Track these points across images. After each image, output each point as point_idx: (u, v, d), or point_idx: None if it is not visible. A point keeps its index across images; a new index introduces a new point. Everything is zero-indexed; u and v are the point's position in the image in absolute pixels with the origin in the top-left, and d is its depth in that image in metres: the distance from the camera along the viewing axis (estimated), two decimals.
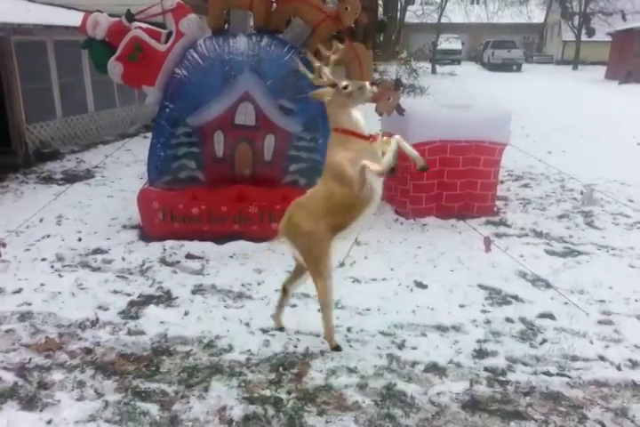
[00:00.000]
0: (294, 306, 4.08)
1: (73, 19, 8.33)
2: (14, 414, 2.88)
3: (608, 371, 3.34)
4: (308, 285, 4.29)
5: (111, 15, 5.42)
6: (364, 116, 3.31)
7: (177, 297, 4.21)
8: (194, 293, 4.30)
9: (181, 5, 5.35)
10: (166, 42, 5.33)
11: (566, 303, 4.13)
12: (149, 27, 5.57)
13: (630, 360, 3.45)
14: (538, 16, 45.46)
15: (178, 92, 5.27)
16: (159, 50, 5.28)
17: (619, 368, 3.37)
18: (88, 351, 3.47)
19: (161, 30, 5.58)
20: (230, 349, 3.53)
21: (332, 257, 3.39)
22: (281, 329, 3.73)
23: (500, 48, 34.98)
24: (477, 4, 45.23)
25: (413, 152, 3.26)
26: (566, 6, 39.96)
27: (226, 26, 5.75)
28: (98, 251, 5.10)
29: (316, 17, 5.24)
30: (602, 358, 3.48)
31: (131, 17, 5.40)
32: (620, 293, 4.34)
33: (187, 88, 5.24)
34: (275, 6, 5.57)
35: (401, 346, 3.59)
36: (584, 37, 37.33)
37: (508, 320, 3.94)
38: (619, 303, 4.18)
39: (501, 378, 3.28)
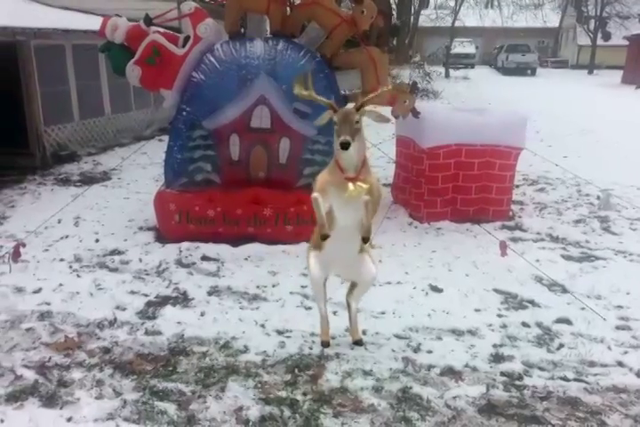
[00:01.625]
0: (309, 308, 4.10)
1: (90, 23, 8.46)
2: (35, 410, 2.93)
3: (627, 377, 3.31)
4: None
5: (129, 20, 5.48)
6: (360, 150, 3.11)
7: (193, 298, 4.25)
8: (210, 294, 4.33)
9: (199, 10, 5.41)
10: (184, 46, 5.38)
11: (583, 308, 4.10)
12: (167, 31, 5.63)
13: None
14: (553, 20, 45.16)
15: (195, 95, 5.32)
16: (177, 54, 5.34)
17: (638, 375, 3.34)
18: (106, 351, 3.52)
19: (178, 35, 5.64)
20: (246, 350, 3.55)
21: None
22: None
23: (514, 52, 34.76)
24: (492, 8, 45.15)
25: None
26: (582, 10, 39.67)
27: (242, 30, 5.80)
28: (115, 252, 5.15)
29: (332, 21, 5.26)
30: (620, 364, 3.45)
31: (149, 21, 5.46)
32: (638, 298, 4.30)
33: (203, 91, 5.29)
34: (290, 10, 5.62)
35: (416, 349, 3.59)
36: (600, 41, 36.99)
37: (525, 325, 3.92)
38: (637, 309, 4.14)
39: (518, 383, 3.27)
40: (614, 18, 36.87)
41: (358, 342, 3.62)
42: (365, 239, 3.12)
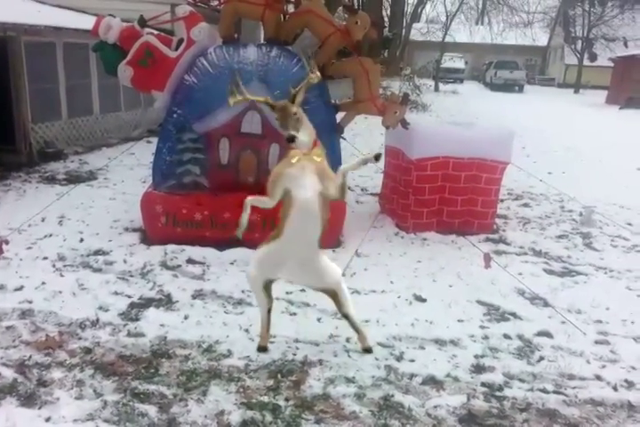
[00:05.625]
0: (293, 314, 4.10)
1: (82, 22, 8.44)
2: (13, 409, 2.89)
3: (604, 391, 3.36)
4: (307, 293, 4.34)
5: (122, 20, 5.48)
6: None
7: (177, 301, 4.23)
8: (194, 297, 4.31)
9: (194, 13, 5.42)
10: (177, 49, 5.39)
11: (563, 322, 4.15)
12: (160, 33, 5.64)
13: (626, 381, 3.46)
14: (541, 39, 45.90)
15: (186, 98, 5.32)
16: (169, 56, 5.34)
17: (615, 388, 3.39)
18: (88, 351, 3.48)
19: (172, 37, 5.65)
20: (229, 354, 3.54)
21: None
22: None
23: (502, 69, 35.25)
24: (482, 24, 45.75)
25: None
26: (569, 31, 40.46)
27: (236, 36, 5.83)
28: (99, 252, 5.11)
29: (326, 30, 5.31)
30: (598, 378, 3.49)
31: (143, 22, 5.47)
32: (617, 314, 4.37)
33: (195, 95, 5.29)
34: (285, 18, 5.66)
35: (399, 358, 3.61)
36: (586, 62, 37.76)
37: (506, 337, 3.96)
38: (615, 324, 4.21)
39: (498, 393, 3.30)
40: (600, 40, 37.68)
41: (367, 350, 3.60)
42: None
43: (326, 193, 3.27)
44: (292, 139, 3.18)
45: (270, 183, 3.33)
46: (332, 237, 5.17)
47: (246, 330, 3.83)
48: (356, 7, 20.39)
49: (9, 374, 3.19)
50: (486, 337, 3.94)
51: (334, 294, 3.50)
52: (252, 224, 5.21)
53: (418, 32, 38.71)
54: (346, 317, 3.58)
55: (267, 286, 3.51)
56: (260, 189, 5.28)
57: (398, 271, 4.98)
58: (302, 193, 3.23)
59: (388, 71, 21.87)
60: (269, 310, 3.56)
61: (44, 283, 4.37)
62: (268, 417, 2.95)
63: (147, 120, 11.36)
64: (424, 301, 4.45)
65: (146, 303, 4.17)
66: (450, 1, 36.84)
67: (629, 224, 6.75)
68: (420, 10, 38.28)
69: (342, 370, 3.41)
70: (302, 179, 3.23)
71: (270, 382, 3.25)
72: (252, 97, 3.47)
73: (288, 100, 3.34)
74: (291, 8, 6.06)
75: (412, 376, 3.41)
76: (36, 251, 5.04)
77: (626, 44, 36.95)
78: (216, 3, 11.62)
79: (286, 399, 3.10)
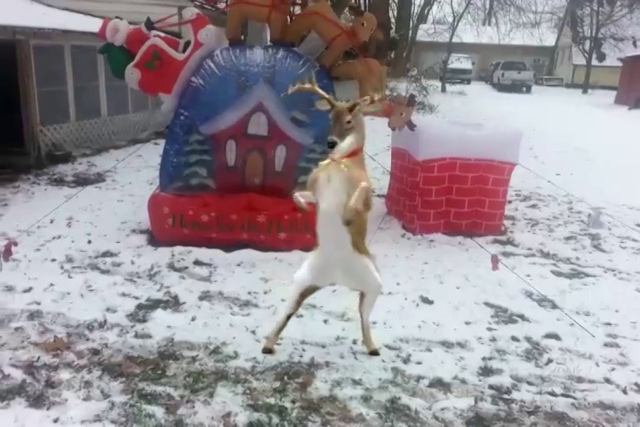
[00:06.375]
0: (300, 316, 4.09)
1: (90, 24, 8.48)
2: (22, 410, 2.90)
3: (614, 394, 3.33)
4: (314, 295, 4.32)
5: (129, 23, 5.50)
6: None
7: (184, 302, 4.24)
8: (201, 299, 4.32)
9: (201, 16, 5.44)
10: (184, 51, 5.41)
11: (572, 325, 4.12)
12: (168, 36, 5.66)
13: (636, 384, 3.44)
14: (549, 39, 45.66)
15: (193, 100, 5.34)
16: (177, 58, 5.37)
17: (624, 392, 3.36)
18: (95, 352, 3.49)
19: (179, 39, 5.67)
20: (236, 356, 3.54)
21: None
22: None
23: (510, 69, 35.11)
24: (489, 25, 45.61)
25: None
26: (577, 31, 40.28)
27: (243, 38, 5.84)
28: (107, 254, 5.13)
29: (332, 32, 5.31)
30: (607, 381, 3.47)
31: (150, 25, 5.49)
32: (627, 316, 4.34)
33: (202, 97, 5.31)
34: (291, 20, 5.67)
35: (406, 360, 3.60)
36: (594, 62, 37.56)
37: (514, 339, 3.94)
38: (625, 327, 4.18)
39: (506, 396, 3.28)
40: (609, 39, 37.48)
41: (374, 353, 3.61)
42: (346, 221, 3.14)
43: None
44: (332, 144, 3.17)
45: (307, 188, 3.37)
46: None
47: (253, 332, 3.84)
48: (363, 8, 20.42)
49: (18, 375, 3.21)
50: (494, 339, 3.92)
51: (363, 295, 3.54)
52: (258, 226, 5.30)
53: (425, 33, 38.65)
54: (361, 316, 3.60)
55: (304, 294, 3.52)
56: (266, 191, 5.38)
57: (405, 273, 4.97)
58: (323, 204, 3.25)
59: (395, 72, 21.87)
60: (290, 316, 3.57)
61: (52, 284, 4.39)
62: (275, 419, 2.95)
63: (154, 122, 11.40)
64: (431, 303, 4.44)
65: (153, 305, 4.19)
66: (457, 1, 36.81)
67: (638, 225, 6.70)
68: (426, 11, 38.23)
69: (349, 372, 3.40)
70: (326, 188, 3.22)
71: (277, 384, 3.25)
72: (319, 91, 3.48)
73: (347, 108, 3.27)
74: (297, 10, 6.07)
75: (418, 379, 3.40)
76: (45, 252, 5.07)
77: (635, 44, 36.74)
78: (223, 5, 11.69)
79: (293, 401, 3.10)
